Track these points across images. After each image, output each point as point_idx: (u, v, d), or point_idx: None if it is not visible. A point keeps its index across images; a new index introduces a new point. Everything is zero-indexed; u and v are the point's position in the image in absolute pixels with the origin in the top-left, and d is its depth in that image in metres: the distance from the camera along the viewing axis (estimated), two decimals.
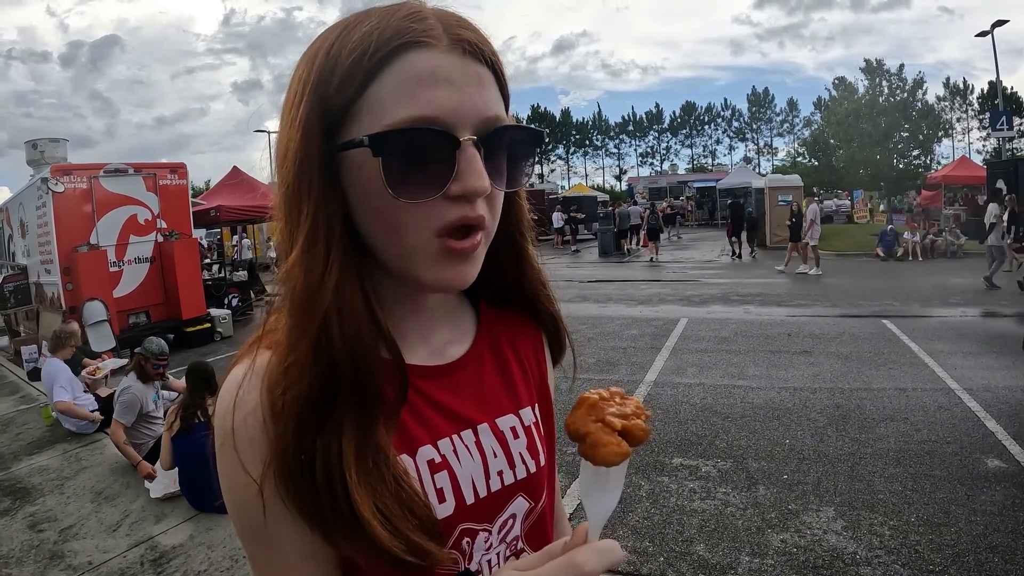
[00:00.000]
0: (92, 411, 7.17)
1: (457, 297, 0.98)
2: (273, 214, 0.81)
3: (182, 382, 5.98)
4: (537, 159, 0.82)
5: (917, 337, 9.33)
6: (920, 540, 4.10)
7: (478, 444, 0.88)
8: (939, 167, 32.80)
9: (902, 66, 34.48)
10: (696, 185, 47.60)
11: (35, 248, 11.98)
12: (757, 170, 60.00)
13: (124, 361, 8.26)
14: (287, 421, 0.72)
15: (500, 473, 0.89)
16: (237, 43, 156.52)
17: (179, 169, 12.75)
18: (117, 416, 5.89)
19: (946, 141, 54.96)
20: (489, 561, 0.87)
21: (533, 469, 0.93)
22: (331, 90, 0.73)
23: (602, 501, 0.70)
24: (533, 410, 0.98)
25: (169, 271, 12.04)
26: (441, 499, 0.82)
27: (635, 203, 30.52)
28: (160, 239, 12.10)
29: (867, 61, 35.10)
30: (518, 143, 0.81)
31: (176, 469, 5.11)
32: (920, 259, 19.43)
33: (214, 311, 13.21)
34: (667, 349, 9.53)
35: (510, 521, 0.90)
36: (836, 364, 8.22)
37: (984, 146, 59.70)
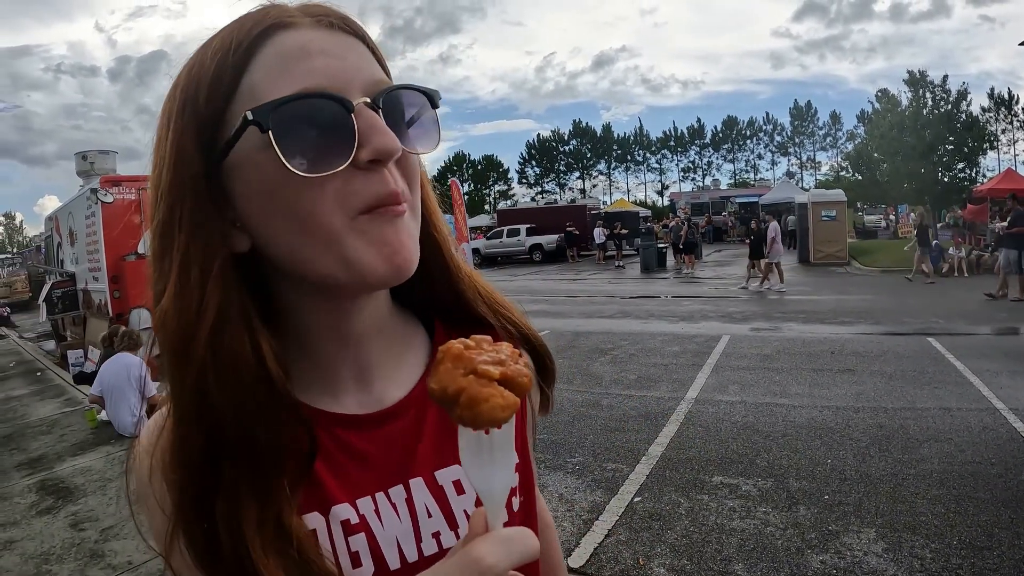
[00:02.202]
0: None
1: (403, 323, 0.89)
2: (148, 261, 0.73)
3: None
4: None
5: (962, 355, 9.16)
6: (962, 564, 4.04)
7: (409, 502, 0.78)
8: (984, 180, 32.16)
9: (946, 77, 33.80)
10: (738, 200, 47.38)
11: (83, 256, 12.23)
12: (800, 185, 59.56)
13: None
14: (183, 488, 0.66)
15: (436, 535, 0.78)
16: None
17: None
18: None
19: (991, 153, 54.15)
20: None
21: None
22: (200, 103, 0.68)
23: (495, 476, 0.59)
24: None
25: None
26: (356, 563, 0.74)
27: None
28: None
29: (910, 73, 34.49)
30: (415, 105, 0.74)
31: None
32: (966, 275, 19.03)
33: None
34: (708, 366, 9.49)
35: None
36: (879, 383, 8.11)
37: None
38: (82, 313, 12.70)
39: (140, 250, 11.32)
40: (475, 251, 34.51)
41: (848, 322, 12.56)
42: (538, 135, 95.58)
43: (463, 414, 0.55)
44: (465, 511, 0.80)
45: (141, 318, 10.75)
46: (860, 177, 40.19)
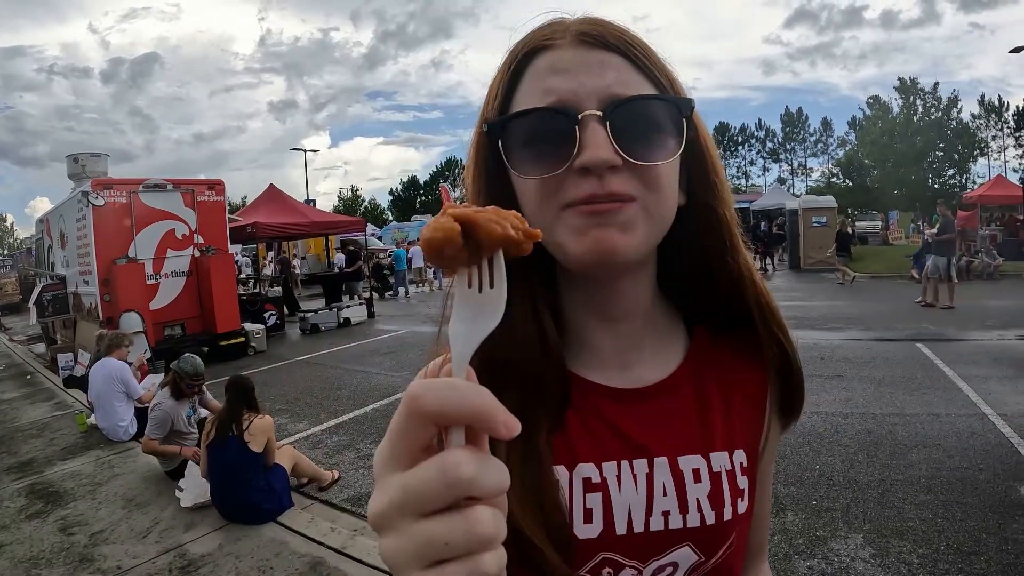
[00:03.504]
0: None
1: (668, 320, 0.94)
2: None
3: (218, 403, 6.11)
4: (686, 130, 0.78)
5: (952, 361, 9.20)
6: (949, 569, 4.06)
7: (648, 477, 0.83)
8: (974, 186, 32.32)
9: (936, 84, 34.10)
10: None
11: (74, 259, 12.22)
12: (791, 191, 59.67)
13: (161, 376, 8.40)
14: None
15: (666, 514, 0.82)
16: (274, 63, 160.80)
17: (217, 186, 12.97)
18: (148, 432, 6.03)
19: (981, 160, 54.19)
20: None
21: (711, 521, 0.83)
22: (489, 106, 0.83)
23: (473, 330, 0.51)
24: (730, 456, 0.87)
25: (205, 285, 12.22)
26: (587, 520, 0.80)
27: None
28: (197, 254, 12.29)
29: (901, 80, 34.76)
30: (658, 113, 0.78)
31: (207, 479, 5.18)
32: (956, 281, 19.01)
33: (248, 325, 13.36)
34: None
35: (669, 568, 0.83)
36: (868, 389, 8.14)
37: (1021, 164, 58.74)
38: (72, 316, 12.67)
39: (131, 254, 11.31)
40: None
41: (838, 328, 12.59)
42: None
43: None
44: (698, 499, 0.84)
45: (131, 322, 10.75)
46: (851, 183, 40.47)
